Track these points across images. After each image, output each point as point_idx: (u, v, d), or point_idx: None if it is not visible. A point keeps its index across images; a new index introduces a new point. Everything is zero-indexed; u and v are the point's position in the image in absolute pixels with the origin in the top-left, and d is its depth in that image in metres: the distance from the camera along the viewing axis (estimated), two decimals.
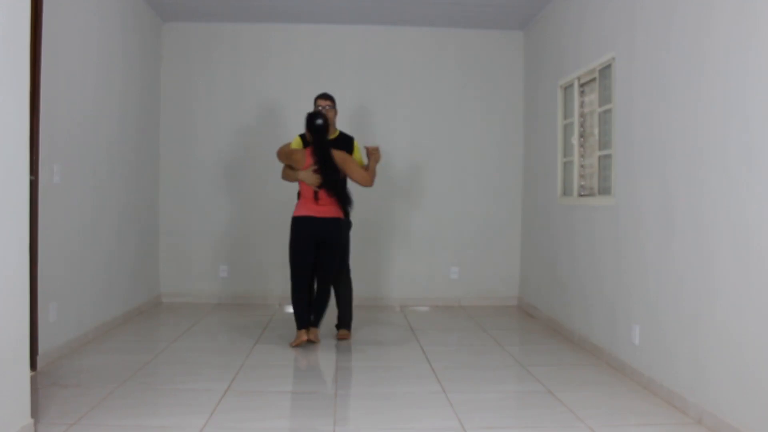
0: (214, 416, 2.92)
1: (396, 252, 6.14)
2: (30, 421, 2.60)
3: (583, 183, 4.71)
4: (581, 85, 4.70)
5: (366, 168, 4.39)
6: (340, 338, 4.59)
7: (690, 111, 3.12)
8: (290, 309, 5.60)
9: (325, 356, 4.22)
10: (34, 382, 3.25)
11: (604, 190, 4.30)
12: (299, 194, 4.43)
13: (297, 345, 4.31)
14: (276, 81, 6.09)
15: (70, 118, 4.07)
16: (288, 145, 4.51)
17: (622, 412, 3.13)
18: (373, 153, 4.37)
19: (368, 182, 4.32)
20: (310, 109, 6.03)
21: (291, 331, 4.69)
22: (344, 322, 4.66)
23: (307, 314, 4.34)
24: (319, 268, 4.38)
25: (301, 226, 4.29)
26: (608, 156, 4.19)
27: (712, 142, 2.93)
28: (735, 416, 2.70)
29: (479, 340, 4.66)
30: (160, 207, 6.02)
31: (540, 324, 5.30)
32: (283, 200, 6.00)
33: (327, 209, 4.27)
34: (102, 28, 4.61)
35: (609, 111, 4.17)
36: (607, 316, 4.06)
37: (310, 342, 4.37)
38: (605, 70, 4.26)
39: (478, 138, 6.19)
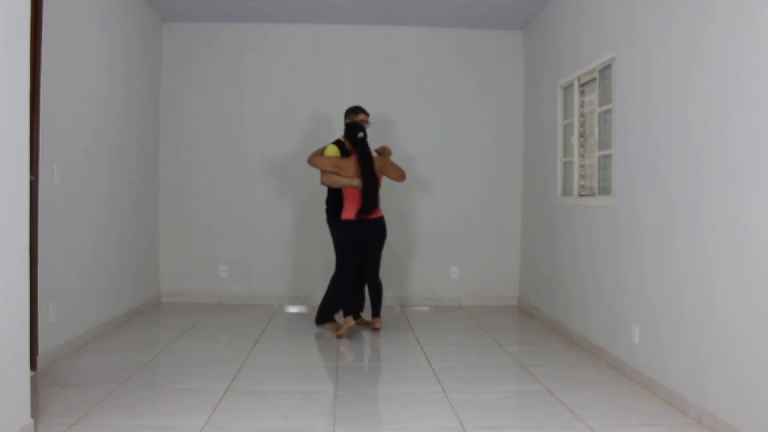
0: (214, 416, 2.92)
1: (396, 252, 6.13)
2: (30, 421, 2.60)
3: (583, 183, 4.71)
4: (581, 85, 4.70)
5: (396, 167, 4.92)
6: (377, 327, 4.91)
7: (689, 111, 3.12)
8: (293, 309, 5.60)
9: (325, 356, 4.22)
10: (34, 382, 3.26)
11: (604, 190, 4.30)
12: (340, 199, 4.80)
13: (345, 331, 4.65)
14: (276, 81, 6.09)
15: (70, 118, 4.07)
16: (322, 151, 4.81)
17: (622, 412, 3.13)
18: (385, 151, 4.91)
19: (404, 177, 4.90)
20: (309, 109, 6.06)
21: (291, 331, 4.69)
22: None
23: (354, 304, 4.81)
24: (367, 263, 4.83)
25: (355, 228, 4.68)
26: (608, 156, 4.20)
27: (711, 142, 2.93)
28: (735, 416, 2.70)
29: (479, 340, 4.66)
30: (160, 207, 6.02)
31: (540, 324, 5.30)
32: (283, 200, 6.01)
33: (375, 210, 4.72)
34: (102, 28, 4.61)
35: (609, 111, 4.17)
36: (606, 316, 4.06)
37: (362, 325, 4.97)
38: (605, 70, 4.26)
39: (478, 138, 6.19)
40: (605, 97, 4.27)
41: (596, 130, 4.43)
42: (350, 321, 4.67)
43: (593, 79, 4.46)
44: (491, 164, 6.20)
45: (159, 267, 6.02)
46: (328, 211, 4.94)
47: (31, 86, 2.76)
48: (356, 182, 4.63)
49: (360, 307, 5.02)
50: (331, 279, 4.96)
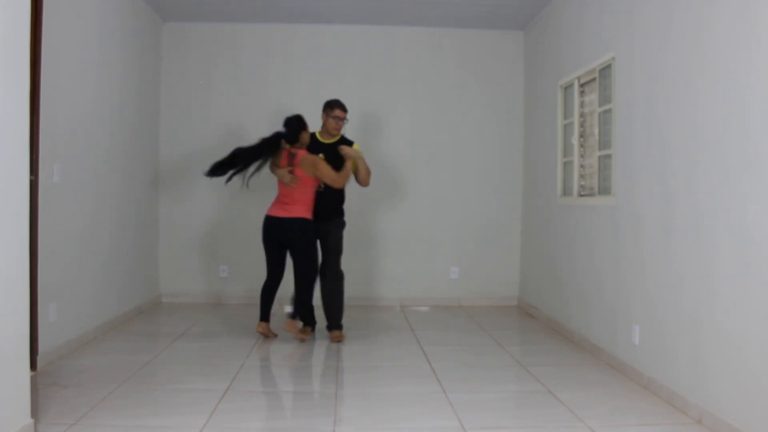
0: (214, 416, 2.92)
1: (396, 252, 6.13)
2: (30, 421, 2.60)
3: (583, 183, 4.71)
4: (581, 85, 4.70)
5: (341, 170, 4.44)
6: (333, 340, 4.56)
7: (690, 111, 3.12)
8: (289, 308, 5.60)
9: (324, 356, 4.22)
10: (34, 382, 3.25)
11: (604, 190, 4.30)
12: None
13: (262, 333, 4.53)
14: (276, 81, 6.09)
15: (70, 118, 4.07)
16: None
17: (622, 412, 3.13)
18: (347, 156, 4.46)
19: (337, 183, 4.39)
20: (309, 109, 6.02)
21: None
22: (333, 323, 4.65)
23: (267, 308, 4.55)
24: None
25: (267, 225, 4.47)
26: (608, 156, 4.19)
27: (711, 142, 2.93)
28: (735, 416, 2.70)
29: (479, 340, 4.66)
30: (160, 207, 6.02)
31: (540, 324, 5.30)
32: None
33: (293, 210, 4.36)
34: (102, 28, 4.61)
35: (609, 111, 4.17)
36: (606, 316, 4.06)
37: (263, 335, 4.56)
38: (605, 70, 4.26)
39: (478, 138, 6.19)
40: (605, 97, 4.27)
41: (596, 130, 4.43)
42: (258, 327, 4.52)
43: (593, 79, 4.46)
44: (491, 164, 6.20)
45: (159, 267, 6.02)
46: (339, 211, 4.66)
47: (31, 86, 2.76)
48: (281, 174, 4.44)
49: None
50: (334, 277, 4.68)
